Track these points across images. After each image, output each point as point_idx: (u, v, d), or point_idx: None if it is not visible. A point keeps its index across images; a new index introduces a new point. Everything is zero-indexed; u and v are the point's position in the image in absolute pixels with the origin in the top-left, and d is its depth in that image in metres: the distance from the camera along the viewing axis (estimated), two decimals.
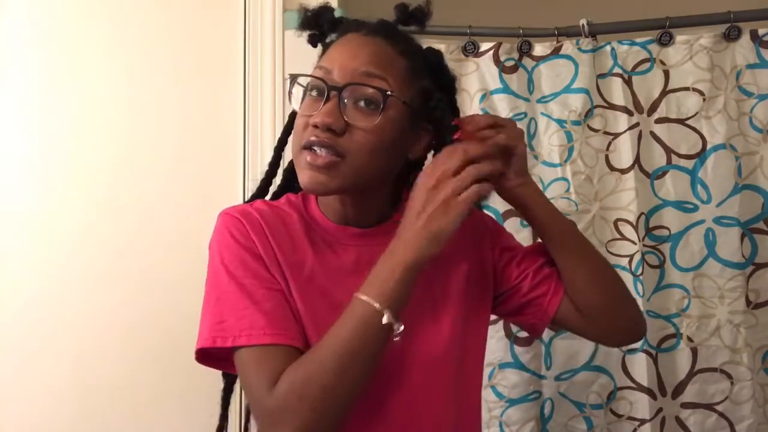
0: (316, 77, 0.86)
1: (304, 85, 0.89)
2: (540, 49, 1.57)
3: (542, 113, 1.55)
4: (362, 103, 0.84)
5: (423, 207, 0.81)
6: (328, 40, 0.94)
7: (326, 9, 0.95)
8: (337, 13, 0.96)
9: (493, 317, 1.04)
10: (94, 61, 1.59)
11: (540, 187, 1.50)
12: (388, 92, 0.84)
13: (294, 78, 0.90)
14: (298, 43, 1.54)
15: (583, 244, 0.98)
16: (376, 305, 0.78)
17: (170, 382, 1.53)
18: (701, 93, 1.50)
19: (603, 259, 1.00)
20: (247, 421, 1.09)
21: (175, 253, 1.55)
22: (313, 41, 0.98)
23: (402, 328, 0.79)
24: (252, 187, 1.51)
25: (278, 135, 1.50)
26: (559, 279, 0.97)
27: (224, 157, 1.57)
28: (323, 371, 0.76)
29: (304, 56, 1.53)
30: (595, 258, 0.98)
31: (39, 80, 1.59)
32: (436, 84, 0.92)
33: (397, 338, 0.79)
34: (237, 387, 1.01)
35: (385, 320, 0.77)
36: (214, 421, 1.02)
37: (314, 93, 0.87)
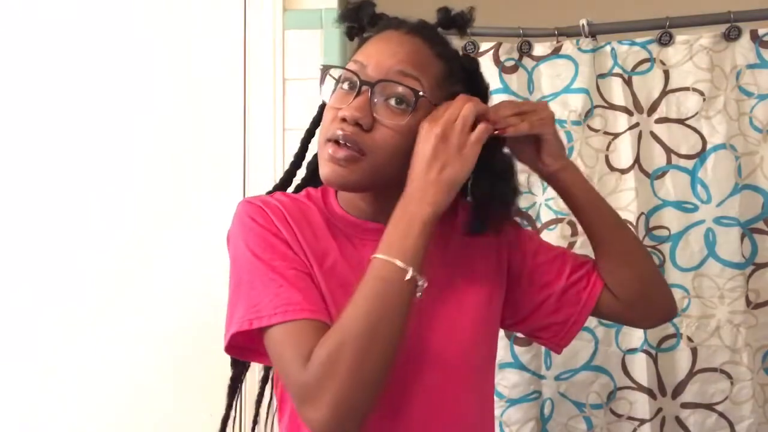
0: (349, 70, 0.86)
1: (336, 77, 0.89)
2: (540, 49, 1.57)
3: None
4: (393, 101, 0.84)
5: (434, 155, 0.81)
6: (365, 35, 0.94)
7: (368, 3, 0.95)
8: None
9: None
10: (94, 62, 1.59)
11: (541, 186, 1.52)
12: (421, 93, 0.84)
13: (326, 69, 0.90)
14: (298, 43, 1.56)
15: (623, 229, 0.98)
16: (399, 263, 0.77)
17: (170, 381, 1.53)
18: (701, 93, 1.50)
19: (641, 243, 1.01)
20: (257, 414, 1.08)
21: (175, 254, 1.55)
22: (350, 34, 0.97)
23: (426, 284, 0.79)
24: (252, 188, 1.52)
25: (278, 135, 1.54)
26: (591, 291, 0.97)
27: (224, 157, 1.58)
28: (354, 335, 0.75)
29: (305, 56, 1.56)
30: (634, 244, 0.99)
31: (38, 80, 1.59)
32: (468, 91, 0.90)
33: (419, 294, 0.79)
34: (244, 379, 1.01)
35: (409, 276, 0.77)
36: (215, 420, 1.02)
37: (346, 86, 0.86)
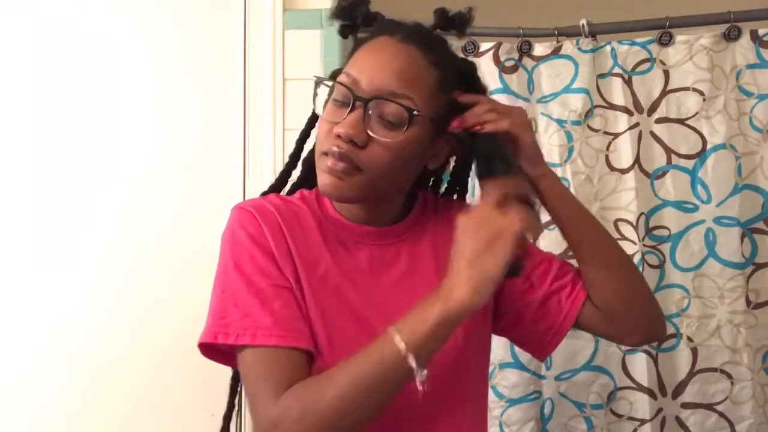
0: (343, 85, 0.85)
1: (329, 85, 0.88)
2: (540, 49, 1.57)
3: (542, 113, 1.55)
4: (386, 118, 0.83)
5: (466, 248, 0.77)
6: (359, 35, 0.93)
7: (362, 1, 0.93)
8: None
9: None
10: (94, 61, 1.59)
11: None
12: (415, 111, 0.83)
13: (319, 82, 0.89)
14: (298, 43, 1.56)
15: (605, 239, 0.96)
16: (402, 348, 0.74)
17: (171, 381, 1.53)
18: (701, 93, 1.50)
19: (625, 255, 0.97)
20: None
21: (174, 254, 1.55)
22: (343, 33, 0.96)
23: (426, 374, 0.75)
24: (252, 188, 1.52)
25: (278, 135, 1.54)
26: (574, 301, 0.95)
27: (224, 157, 1.57)
28: (334, 395, 0.75)
29: (305, 56, 1.55)
30: (616, 254, 0.96)
31: (37, 80, 1.58)
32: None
33: (420, 385, 0.75)
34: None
35: (409, 366, 0.74)
36: (215, 420, 1.02)
37: (339, 99, 0.85)
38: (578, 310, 0.95)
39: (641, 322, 0.97)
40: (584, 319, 0.95)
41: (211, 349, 0.84)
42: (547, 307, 0.96)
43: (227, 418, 1.02)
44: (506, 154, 0.88)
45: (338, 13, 0.94)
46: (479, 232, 0.76)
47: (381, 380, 0.75)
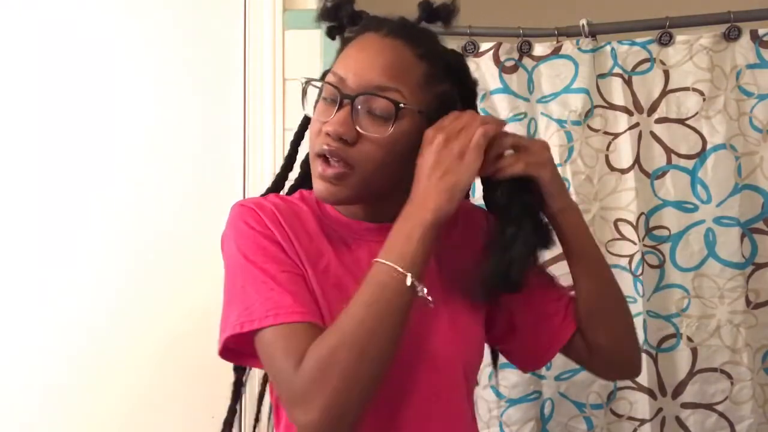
0: (330, 84, 0.85)
1: (319, 86, 0.88)
2: (540, 49, 1.57)
3: (542, 113, 1.55)
4: (374, 113, 0.83)
5: (436, 162, 0.81)
6: (346, 34, 0.92)
7: (346, 1, 0.93)
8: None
9: None
10: (94, 61, 1.59)
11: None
12: (401, 104, 0.83)
13: (308, 83, 0.89)
14: (298, 43, 1.56)
15: (610, 283, 0.96)
16: (398, 269, 0.77)
17: (172, 383, 1.53)
18: (701, 93, 1.50)
19: (623, 297, 0.98)
20: (259, 411, 1.08)
21: (174, 253, 1.55)
22: (331, 34, 0.96)
23: (425, 290, 0.78)
24: (252, 188, 1.52)
25: (278, 135, 1.54)
26: (564, 331, 0.95)
27: (224, 157, 1.58)
28: (349, 340, 0.75)
29: (305, 56, 1.56)
30: (616, 298, 0.96)
31: (38, 80, 1.59)
32: (456, 88, 0.89)
33: (421, 295, 0.78)
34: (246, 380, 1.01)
35: (408, 282, 0.77)
36: (216, 422, 1.02)
37: (328, 98, 0.85)
38: (566, 340, 0.96)
39: (625, 362, 0.99)
40: (570, 348, 0.97)
41: (230, 350, 0.84)
42: (538, 330, 0.96)
43: (228, 424, 1.02)
44: (524, 197, 0.89)
45: (324, 14, 0.94)
46: (449, 150, 0.82)
47: (388, 309, 0.77)
